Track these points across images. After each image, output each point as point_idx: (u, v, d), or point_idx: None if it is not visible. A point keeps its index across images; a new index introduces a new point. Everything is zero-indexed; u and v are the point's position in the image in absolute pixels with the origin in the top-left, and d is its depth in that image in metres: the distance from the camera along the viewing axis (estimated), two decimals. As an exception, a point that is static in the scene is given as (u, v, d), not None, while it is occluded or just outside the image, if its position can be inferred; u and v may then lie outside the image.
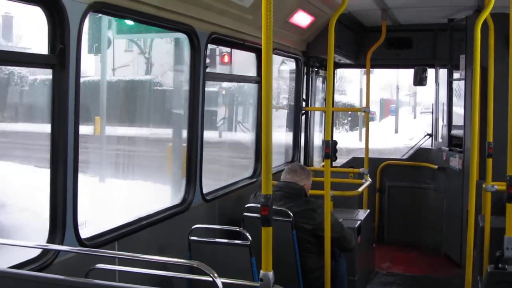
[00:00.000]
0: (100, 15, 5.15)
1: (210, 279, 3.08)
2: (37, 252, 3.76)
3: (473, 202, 6.00)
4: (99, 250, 3.90)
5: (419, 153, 10.11)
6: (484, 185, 6.37)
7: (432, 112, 10.51)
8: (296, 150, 9.04)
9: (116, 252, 4.24)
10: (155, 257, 3.50)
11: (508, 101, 5.15)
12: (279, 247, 4.29)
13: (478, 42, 5.86)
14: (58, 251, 3.78)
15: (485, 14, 5.85)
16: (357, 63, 9.95)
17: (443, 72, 9.66)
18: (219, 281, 3.04)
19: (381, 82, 55.50)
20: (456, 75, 8.98)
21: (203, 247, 4.88)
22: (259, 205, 3.61)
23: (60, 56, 3.75)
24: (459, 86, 8.76)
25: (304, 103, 9.12)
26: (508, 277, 4.25)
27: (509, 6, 4.94)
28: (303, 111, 9.15)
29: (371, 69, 9.27)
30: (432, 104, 10.52)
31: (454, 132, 8.94)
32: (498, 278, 4.29)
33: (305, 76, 9.08)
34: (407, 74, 9.78)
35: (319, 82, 10.10)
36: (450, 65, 9.12)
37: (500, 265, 4.31)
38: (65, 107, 3.80)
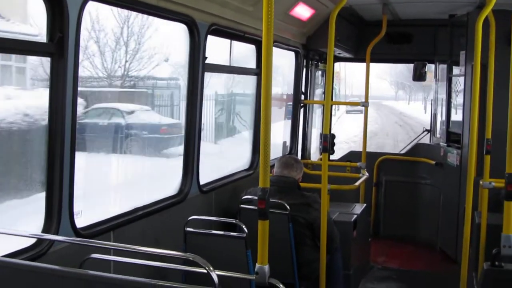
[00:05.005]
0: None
1: (206, 271, 3.07)
2: (32, 240, 3.74)
3: (470, 198, 5.99)
4: (94, 240, 3.88)
5: (417, 148, 10.09)
6: (481, 182, 6.37)
7: (430, 108, 10.49)
8: (293, 142, 9.03)
9: (112, 243, 4.22)
10: (150, 249, 3.48)
11: (509, 98, 5.13)
12: (276, 240, 4.29)
13: (479, 39, 5.83)
14: (54, 240, 3.76)
15: (487, 11, 5.82)
16: (357, 57, 9.91)
17: (442, 68, 9.65)
18: (214, 274, 3.03)
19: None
20: (455, 71, 8.97)
21: (199, 239, 4.86)
22: (255, 197, 3.61)
23: (59, 44, 3.74)
24: (458, 82, 8.75)
25: (303, 96, 9.12)
26: (505, 275, 4.25)
27: (510, 3, 4.92)
28: (302, 104, 9.14)
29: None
30: (431, 100, 10.51)
31: (453, 128, 8.94)
32: (494, 275, 4.28)
33: (304, 69, 9.06)
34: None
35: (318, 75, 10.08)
36: (450, 61, 9.10)
37: (496, 263, 4.30)
38: (63, 95, 3.78)
